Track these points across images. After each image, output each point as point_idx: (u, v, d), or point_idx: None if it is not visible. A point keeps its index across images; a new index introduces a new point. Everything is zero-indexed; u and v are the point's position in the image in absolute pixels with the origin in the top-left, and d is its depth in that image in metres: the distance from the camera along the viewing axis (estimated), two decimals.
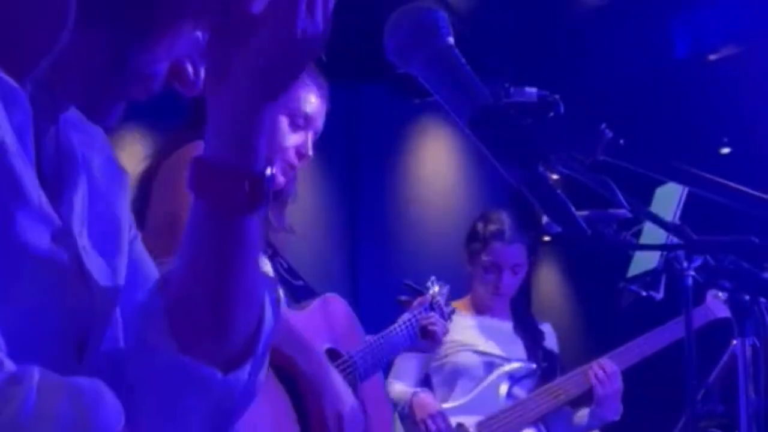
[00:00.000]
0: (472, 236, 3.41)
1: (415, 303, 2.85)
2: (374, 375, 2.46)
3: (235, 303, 0.92)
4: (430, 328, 2.75)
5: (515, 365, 3.35)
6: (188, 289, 0.92)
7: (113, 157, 1.03)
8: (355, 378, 2.33)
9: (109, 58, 0.89)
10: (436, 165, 6.60)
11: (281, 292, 2.26)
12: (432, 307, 2.82)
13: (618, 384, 3.28)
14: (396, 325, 2.67)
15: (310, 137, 2.20)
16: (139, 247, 1.05)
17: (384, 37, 0.98)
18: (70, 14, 0.86)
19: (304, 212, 6.30)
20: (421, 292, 2.92)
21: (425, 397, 3.18)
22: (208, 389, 0.92)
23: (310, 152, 2.20)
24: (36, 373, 0.75)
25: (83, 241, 0.92)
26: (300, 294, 2.34)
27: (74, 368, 0.88)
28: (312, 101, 2.20)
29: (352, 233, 6.21)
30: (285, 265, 2.35)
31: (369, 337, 2.53)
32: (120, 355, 0.97)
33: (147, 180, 1.99)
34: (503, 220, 3.35)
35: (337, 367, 2.24)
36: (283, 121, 2.15)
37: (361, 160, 6.28)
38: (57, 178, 0.92)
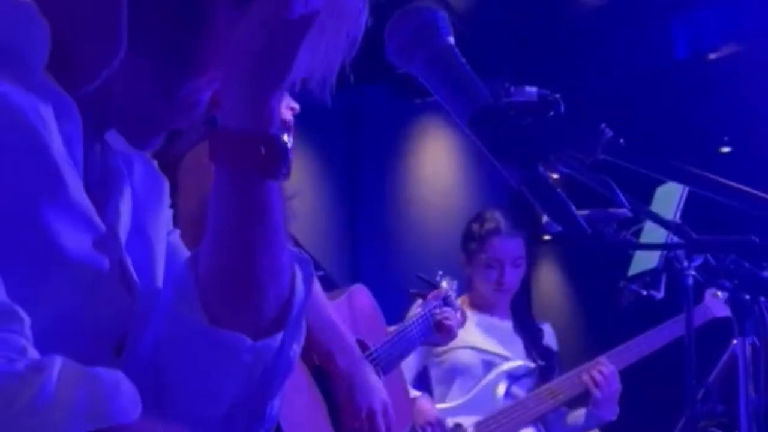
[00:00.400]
0: (468, 236, 3.42)
1: (429, 297, 2.88)
2: (395, 368, 2.48)
3: (262, 274, 0.93)
4: (446, 322, 2.79)
5: (514, 364, 3.35)
6: (215, 260, 0.93)
7: (152, 163, 1.05)
8: (379, 371, 2.34)
9: (158, 87, 0.92)
10: (436, 165, 6.61)
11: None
12: (446, 301, 2.85)
13: (616, 385, 3.28)
14: (413, 319, 2.69)
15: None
16: (175, 239, 1.07)
17: (384, 37, 0.98)
18: (123, 38, 0.89)
19: (304, 212, 6.30)
20: (434, 285, 2.94)
21: (424, 402, 3.17)
22: (237, 354, 0.93)
23: (296, 105, 2.27)
24: (58, 361, 0.76)
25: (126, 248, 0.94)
26: (322, 284, 2.36)
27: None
28: None
29: (352, 233, 6.21)
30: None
31: (390, 329, 2.56)
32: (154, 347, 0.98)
33: (170, 171, 1.99)
34: (498, 217, 3.38)
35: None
36: None
37: (361, 160, 6.28)
38: (103, 189, 0.95)
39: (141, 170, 1.01)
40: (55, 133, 0.85)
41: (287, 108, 2.24)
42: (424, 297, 2.88)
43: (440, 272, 3.01)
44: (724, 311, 2.95)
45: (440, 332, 2.79)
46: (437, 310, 2.79)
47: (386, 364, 2.40)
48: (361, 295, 2.44)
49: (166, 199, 1.06)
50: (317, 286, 2.04)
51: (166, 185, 1.06)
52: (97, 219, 0.90)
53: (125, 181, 0.98)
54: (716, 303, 3.10)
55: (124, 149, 0.98)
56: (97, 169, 0.95)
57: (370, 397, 2.09)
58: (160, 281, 1.00)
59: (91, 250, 0.88)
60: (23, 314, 0.79)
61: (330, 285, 2.38)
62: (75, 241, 0.86)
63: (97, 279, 0.88)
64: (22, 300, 0.80)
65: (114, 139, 0.98)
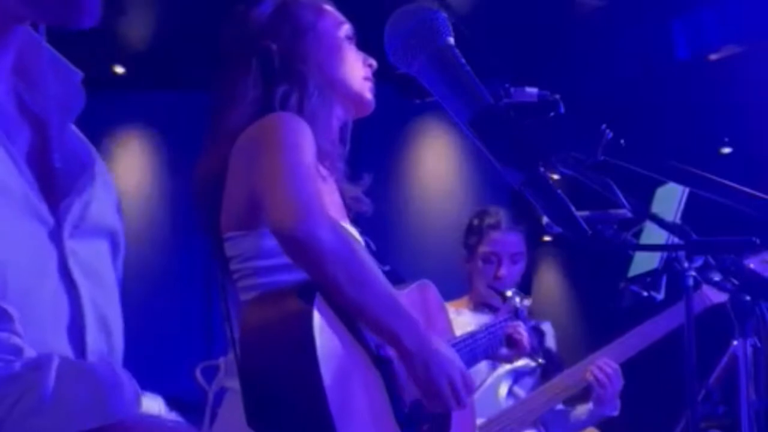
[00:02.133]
0: (469, 231, 3.41)
1: (501, 309, 2.75)
2: None
3: None
4: (517, 336, 2.62)
5: (517, 363, 3.33)
6: None
7: (103, 163, 1.03)
8: None
9: None
10: (436, 165, 6.61)
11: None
12: (517, 315, 2.71)
13: (618, 383, 3.26)
14: (479, 330, 2.47)
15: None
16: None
17: (384, 37, 0.98)
18: None
19: None
20: (503, 296, 2.81)
21: None
22: None
23: (374, 61, 2.18)
24: (55, 359, 0.76)
25: (73, 243, 0.92)
26: (389, 280, 2.25)
27: None
28: (341, 16, 2.19)
29: None
30: (372, 247, 2.28)
31: (454, 337, 2.37)
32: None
33: (226, 143, 1.91)
34: (499, 212, 3.38)
35: None
36: (349, 47, 2.15)
37: (361, 160, 6.27)
38: (67, 176, 0.93)
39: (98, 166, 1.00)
40: None
41: (366, 65, 2.17)
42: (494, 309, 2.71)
43: (514, 289, 2.86)
44: (722, 297, 2.93)
45: (509, 347, 2.60)
46: (507, 323, 2.61)
47: None
48: (431, 290, 2.29)
49: (115, 197, 1.03)
50: (378, 271, 1.93)
51: (113, 183, 1.04)
52: (45, 213, 0.88)
53: (89, 173, 0.96)
54: (713, 289, 3.08)
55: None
56: (68, 155, 0.94)
57: (447, 369, 1.95)
58: (113, 274, 0.99)
59: (34, 241, 0.86)
60: (12, 310, 0.78)
61: (398, 280, 2.26)
62: (15, 230, 0.84)
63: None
64: None
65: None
